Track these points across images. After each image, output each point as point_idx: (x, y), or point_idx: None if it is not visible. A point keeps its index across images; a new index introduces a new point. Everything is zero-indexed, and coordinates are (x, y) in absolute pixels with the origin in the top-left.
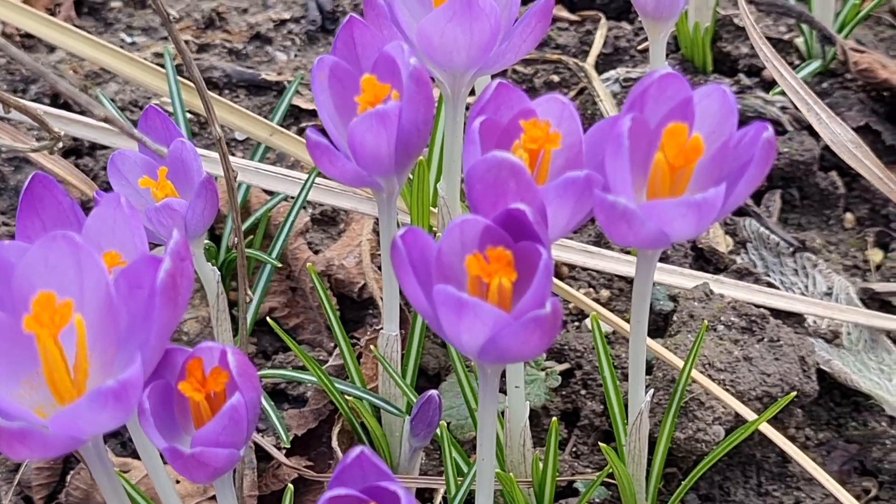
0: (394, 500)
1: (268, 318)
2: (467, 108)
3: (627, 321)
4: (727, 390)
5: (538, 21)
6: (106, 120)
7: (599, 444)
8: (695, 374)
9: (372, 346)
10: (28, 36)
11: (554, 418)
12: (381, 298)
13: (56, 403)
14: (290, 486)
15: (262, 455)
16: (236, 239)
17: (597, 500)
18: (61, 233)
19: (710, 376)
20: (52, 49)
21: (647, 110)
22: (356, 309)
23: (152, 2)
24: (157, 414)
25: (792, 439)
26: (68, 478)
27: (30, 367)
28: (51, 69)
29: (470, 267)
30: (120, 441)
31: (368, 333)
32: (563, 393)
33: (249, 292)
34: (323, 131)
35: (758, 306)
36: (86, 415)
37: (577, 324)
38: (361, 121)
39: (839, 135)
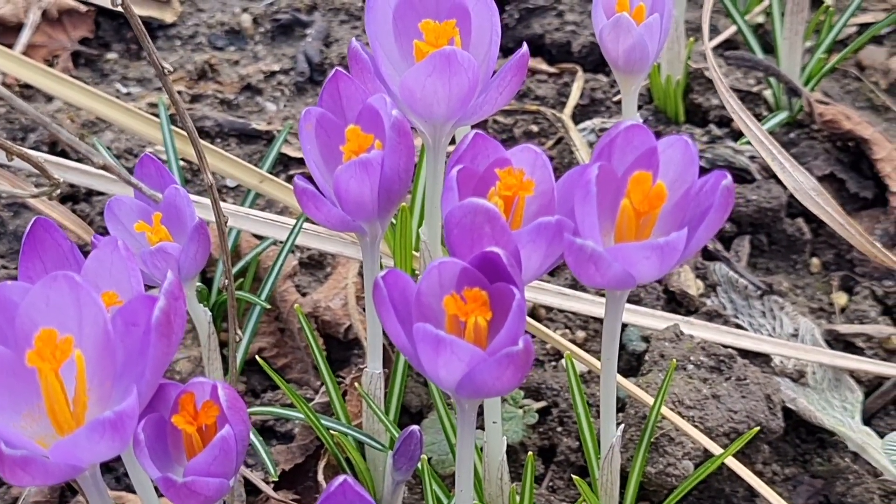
0: None
1: (257, 357)
2: (448, 157)
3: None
4: (696, 426)
5: (513, 75)
6: (104, 168)
7: (573, 477)
8: (665, 411)
9: (356, 384)
10: (27, 86)
11: (530, 453)
12: (366, 339)
13: (56, 435)
14: None
15: (250, 489)
16: (227, 281)
17: None
18: (62, 273)
19: (679, 413)
20: (49, 99)
21: (614, 159)
22: (342, 349)
23: (147, 55)
24: (151, 445)
25: (759, 474)
26: None
27: (31, 400)
28: (49, 118)
29: (448, 306)
30: (114, 476)
31: (353, 372)
32: (541, 430)
33: (239, 332)
34: (310, 179)
35: (726, 346)
36: (85, 444)
37: (553, 363)
38: (346, 169)
39: (802, 183)
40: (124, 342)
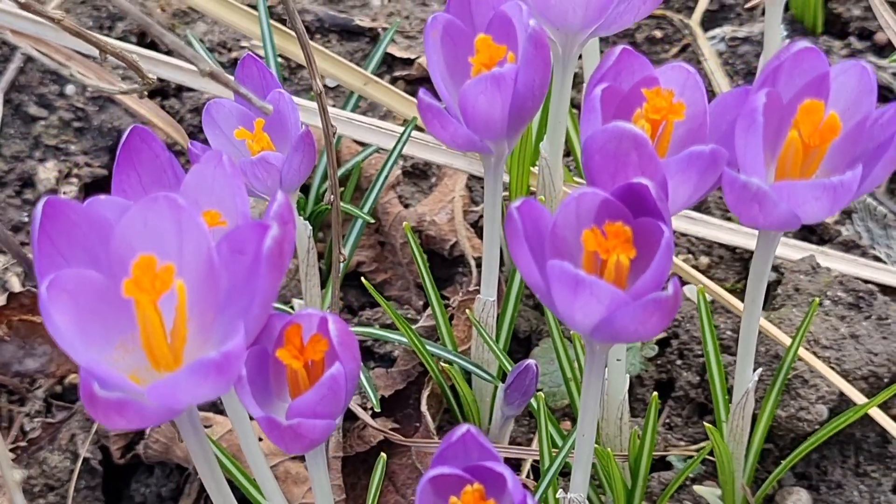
0: (499, 482)
1: (362, 280)
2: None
3: (728, 291)
4: (832, 368)
5: None
6: (211, 75)
7: (704, 424)
8: (800, 350)
9: (468, 311)
10: None
11: (654, 394)
12: (473, 257)
13: (150, 368)
14: (383, 455)
15: (347, 415)
16: (332, 197)
17: (690, 475)
18: (163, 194)
19: (815, 353)
20: None
21: (780, 85)
22: (446, 267)
23: None
24: (252, 380)
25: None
26: (148, 430)
27: (125, 330)
28: (138, 5)
29: (586, 242)
30: None
31: (460, 293)
32: (658, 362)
33: (344, 252)
34: (433, 91)
35: (866, 282)
36: (185, 386)
37: None
38: (475, 84)
39: None
40: (229, 272)
